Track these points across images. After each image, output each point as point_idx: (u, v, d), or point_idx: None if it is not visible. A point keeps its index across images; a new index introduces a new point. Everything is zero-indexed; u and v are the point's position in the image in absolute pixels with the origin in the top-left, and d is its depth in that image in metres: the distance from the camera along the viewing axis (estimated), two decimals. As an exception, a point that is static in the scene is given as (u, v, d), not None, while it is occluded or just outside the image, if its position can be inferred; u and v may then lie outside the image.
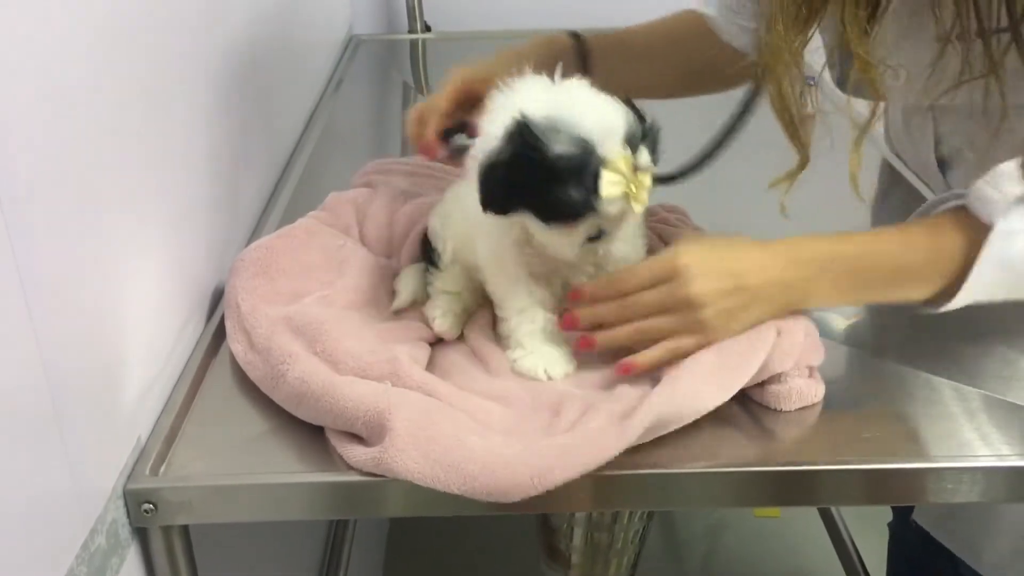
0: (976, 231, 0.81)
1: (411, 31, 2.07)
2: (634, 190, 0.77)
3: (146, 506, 0.76)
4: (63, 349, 0.68)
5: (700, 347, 0.82)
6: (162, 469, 0.78)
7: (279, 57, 1.42)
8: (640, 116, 0.81)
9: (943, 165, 1.04)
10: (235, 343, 0.90)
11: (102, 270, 0.75)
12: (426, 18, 2.07)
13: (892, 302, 0.86)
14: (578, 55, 1.09)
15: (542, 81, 0.83)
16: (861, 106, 0.90)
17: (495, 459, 0.73)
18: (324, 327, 0.85)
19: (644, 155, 0.78)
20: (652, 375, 0.84)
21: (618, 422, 0.76)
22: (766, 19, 0.82)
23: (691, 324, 0.82)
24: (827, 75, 0.95)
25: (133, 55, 0.83)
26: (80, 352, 0.71)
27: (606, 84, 0.93)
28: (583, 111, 0.78)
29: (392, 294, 0.97)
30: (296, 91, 1.54)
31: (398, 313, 0.95)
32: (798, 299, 0.84)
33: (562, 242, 0.82)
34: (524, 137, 0.78)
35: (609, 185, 0.77)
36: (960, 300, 0.82)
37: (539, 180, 0.78)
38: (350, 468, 0.76)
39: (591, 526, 1.31)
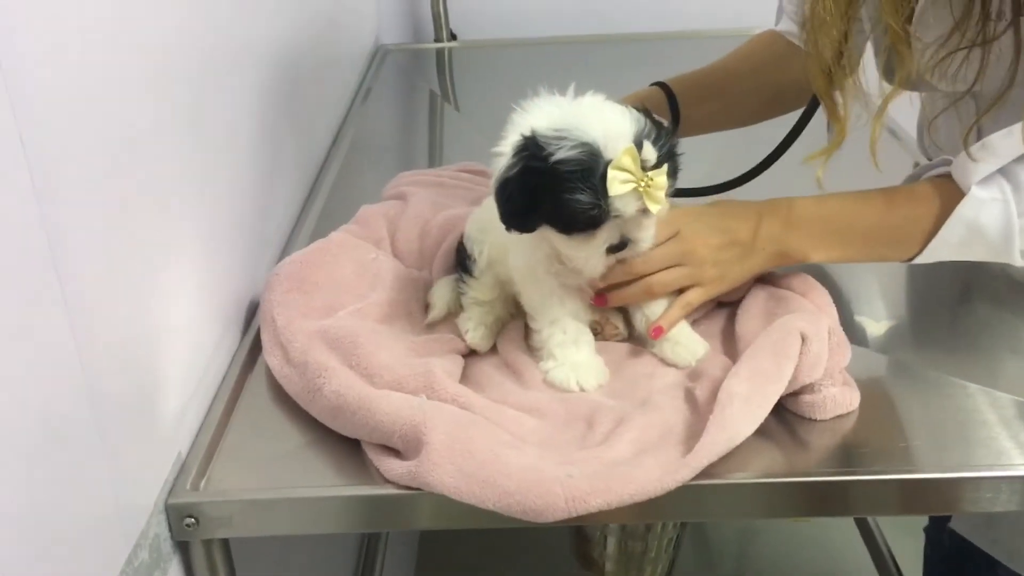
0: (954, 198, 0.87)
1: (437, 40, 2.08)
2: (645, 187, 0.78)
3: (188, 520, 0.77)
4: (105, 368, 0.69)
5: (707, 297, 0.91)
6: (203, 484, 0.79)
7: (310, 70, 1.43)
8: (656, 123, 0.81)
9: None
10: (271, 357, 0.91)
11: (140, 289, 0.76)
12: (452, 27, 2.08)
13: (874, 260, 0.94)
14: (669, 103, 1.12)
15: (555, 99, 0.83)
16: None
17: (531, 476, 0.73)
18: (359, 340, 0.86)
19: (649, 150, 0.78)
20: (684, 378, 0.85)
21: (664, 455, 0.76)
22: None
23: (694, 276, 0.90)
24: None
25: (173, 75, 0.84)
26: (121, 370, 0.72)
27: (695, 124, 1.07)
28: (589, 119, 0.79)
29: (425, 306, 0.98)
30: (326, 103, 1.55)
31: (431, 326, 0.95)
32: (785, 251, 0.91)
33: (586, 253, 0.82)
34: (530, 149, 0.79)
35: (617, 183, 0.77)
36: (928, 255, 0.90)
37: (549, 188, 0.78)
38: (387, 481, 0.77)
39: (625, 535, 1.32)
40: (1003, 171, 0.87)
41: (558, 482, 0.72)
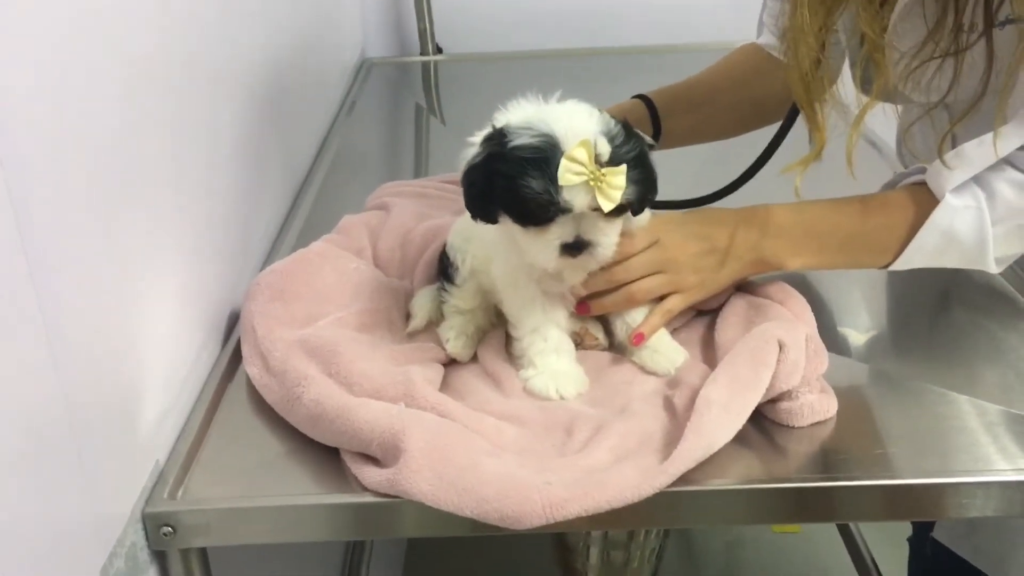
0: (929, 205, 0.89)
1: (423, 53, 2.09)
2: (597, 182, 0.78)
3: (165, 529, 0.77)
4: (82, 375, 0.69)
5: (687, 304, 0.92)
6: (180, 492, 0.79)
7: (295, 82, 1.43)
8: (629, 131, 0.82)
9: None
10: (251, 366, 0.91)
11: (119, 297, 0.76)
12: (437, 40, 2.09)
13: (851, 267, 0.96)
14: (651, 116, 1.14)
15: (536, 102, 0.84)
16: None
17: (509, 484, 0.73)
18: (338, 349, 0.86)
19: (603, 145, 0.79)
20: (663, 386, 0.86)
21: (642, 462, 0.76)
22: (791, 4, 0.87)
23: (675, 283, 0.91)
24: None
25: (155, 84, 0.84)
26: (98, 379, 0.72)
27: (676, 136, 1.09)
28: (556, 115, 0.81)
29: (406, 315, 0.98)
30: (310, 115, 1.56)
31: (412, 335, 0.95)
32: (763, 258, 0.92)
33: (538, 247, 0.82)
34: (495, 138, 0.81)
35: (568, 174, 0.78)
36: (903, 262, 0.91)
37: (506, 175, 0.79)
38: (365, 489, 0.77)
39: (607, 544, 1.31)
40: (977, 179, 0.88)
41: (536, 489, 0.72)
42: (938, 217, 0.88)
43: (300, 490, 0.79)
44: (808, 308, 0.91)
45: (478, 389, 0.88)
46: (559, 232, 0.81)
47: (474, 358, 0.93)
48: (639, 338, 0.90)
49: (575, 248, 0.82)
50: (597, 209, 0.80)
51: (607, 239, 0.83)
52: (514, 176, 0.79)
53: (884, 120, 1.13)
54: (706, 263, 0.92)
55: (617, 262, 0.89)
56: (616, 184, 0.78)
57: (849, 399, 0.86)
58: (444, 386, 0.88)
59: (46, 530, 0.64)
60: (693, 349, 0.92)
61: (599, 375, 0.89)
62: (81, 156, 0.70)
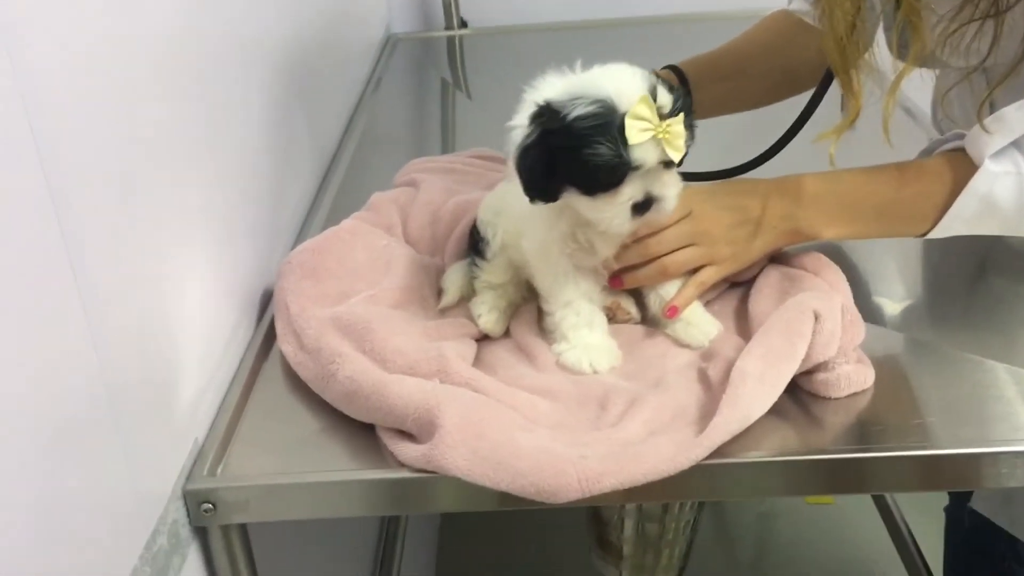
0: (967, 172, 0.87)
1: (448, 28, 2.08)
2: (664, 134, 0.78)
3: (205, 506, 0.78)
4: (120, 355, 0.70)
5: (721, 275, 0.91)
6: (219, 469, 0.80)
7: (321, 60, 1.43)
8: (667, 83, 0.82)
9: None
10: (285, 344, 0.91)
11: (155, 277, 0.77)
12: (463, 14, 2.07)
13: (887, 236, 0.95)
14: (682, 85, 1.12)
15: (563, 73, 0.83)
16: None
17: (544, 458, 0.73)
18: (372, 326, 0.86)
19: (664, 96, 0.79)
20: (697, 358, 0.85)
21: (677, 435, 0.76)
22: None
23: (708, 255, 0.90)
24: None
25: (182, 68, 0.84)
26: (136, 358, 0.73)
27: (707, 105, 1.03)
28: (600, 80, 0.80)
29: (438, 291, 0.98)
30: (337, 92, 1.56)
31: (444, 311, 0.96)
32: (797, 228, 0.91)
33: (612, 213, 0.82)
34: (546, 114, 0.80)
35: (635, 132, 0.78)
36: (941, 229, 0.89)
37: (569, 148, 0.79)
38: (401, 465, 0.78)
39: (642, 517, 1.31)
40: (1017, 144, 0.86)
41: (571, 463, 0.73)
42: (977, 183, 0.86)
43: (337, 466, 0.80)
44: (843, 278, 0.90)
45: (511, 364, 0.88)
46: (630, 192, 0.81)
47: (507, 333, 0.93)
48: (673, 311, 0.89)
49: (646, 206, 0.82)
50: (661, 163, 0.80)
51: (672, 191, 0.83)
52: (580, 147, 0.78)
53: (920, 86, 1.11)
54: (739, 234, 0.91)
55: (650, 234, 0.88)
56: (679, 133, 0.79)
57: (886, 369, 0.85)
58: (477, 361, 0.88)
59: (91, 508, 0.65)
60: (727, 321, 0.91)
61: (632, 348, 0.89)
62: (114, 138, 0.71)
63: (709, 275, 0.91)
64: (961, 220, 0.88)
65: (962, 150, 0.89)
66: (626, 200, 0.81)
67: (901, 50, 0.91)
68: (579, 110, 0.78)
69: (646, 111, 0.78)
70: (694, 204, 0.90)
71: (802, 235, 0.92)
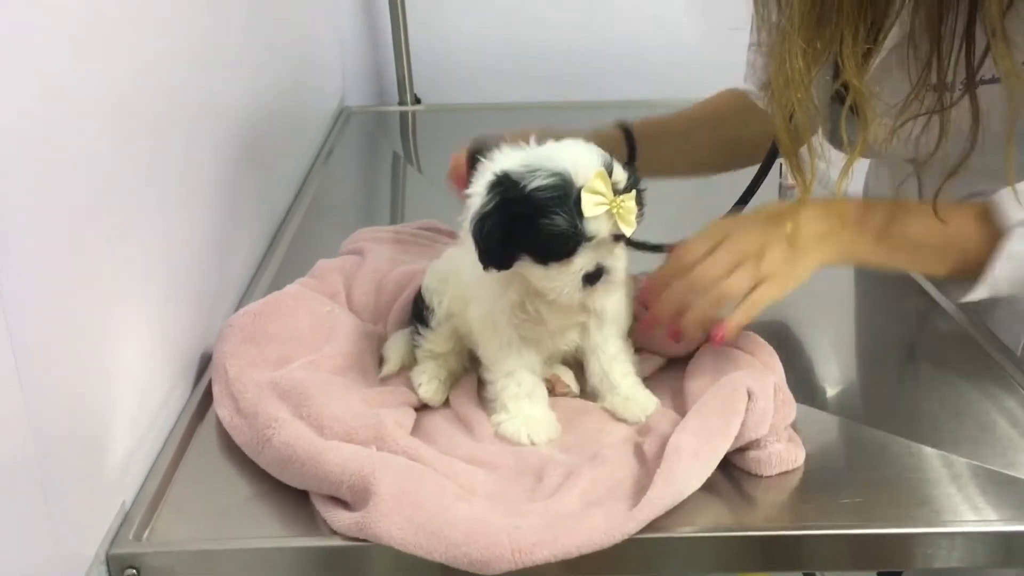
0: (992, 224, 0.90)
1: (401, 103, 2.11)
2: (617, 209, 0.81)
3: (129, 572, 0.75)
4: (50, 414, 0.68)
5: (776, 295, 0.90)
6: (146, 534, 0.78)
7: (273, 127, 1.44)
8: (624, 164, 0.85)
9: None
10: (222, 408, 0.90)
11: (91, 337, 0.76)
12: (416, 91, 2.11)
13: (914, 271, 1.00)
14: (627, 144, 1.16)
15: (518, 148, 0.86)
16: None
17: (478, 527, 0.73)
18: (310, 392, 0.86)
19: (619, 172, 0.82)
20: (633, 433, 0.86)
21: (612, 508, 0.76)
22: (779, 56, 0.89)
23: (760, 273, 0.89)
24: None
25: (128, 128, 0.85)
26: (67, 418, 0.72)
27: (651, 166, 1.04)
28: (556, 154, 0.83)
29: (379, 359, 0.98)
30: (289, 160, 1.57)
31: (385, 379, 0.95)
32: (832, 252, 0.92)
33: (563, 282, 0.83)
34: (505, 184, 0.82)
35: (591, 205, 0.80)
36: (979, 293, 0.92)
37: (527, 217, 0.81)
38: (334, 533, 0.76)
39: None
40: None
41: (505, 533, 0.72)
42: (1011, 243, 0.90)
43: (268, 533, 0.78)
44: (776, 358, 0.92)
45: (449, 433, 0.88)
46: (582, 262, 0.83)
47: (446, 403, 0.93)
48: (720, 336, 0.89)
49: (595, 276, 0.83)
50: (612, 235, 0.82)
51: (620, 263, 0.85)
52: (538, 216, 0.80)
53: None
54: (779, 253, 0.90)
55: (687, 253, 0.91)
56: (631, 208, 0.82)
57: (817, 449, 0.86)
58: (416, 430, 0.87)
59: (9, 570, 0.63)
60: (663, 397, 0.92)
61: (570, 422, 0.90)
62: (53, 193, 0.70)
63: (762, 296, 0.89)
64: (996, 281, 0.91)
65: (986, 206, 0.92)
66: (578, 270, 0.83)
67: (835, 141, 0.95)
68: (537, 181, 0.80)
69: (601, 186, 0.80)
70: (730, 229, 0.91)
71: (838, 257, 0.93)
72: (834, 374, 1.04)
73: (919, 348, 1.07)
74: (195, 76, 1.06)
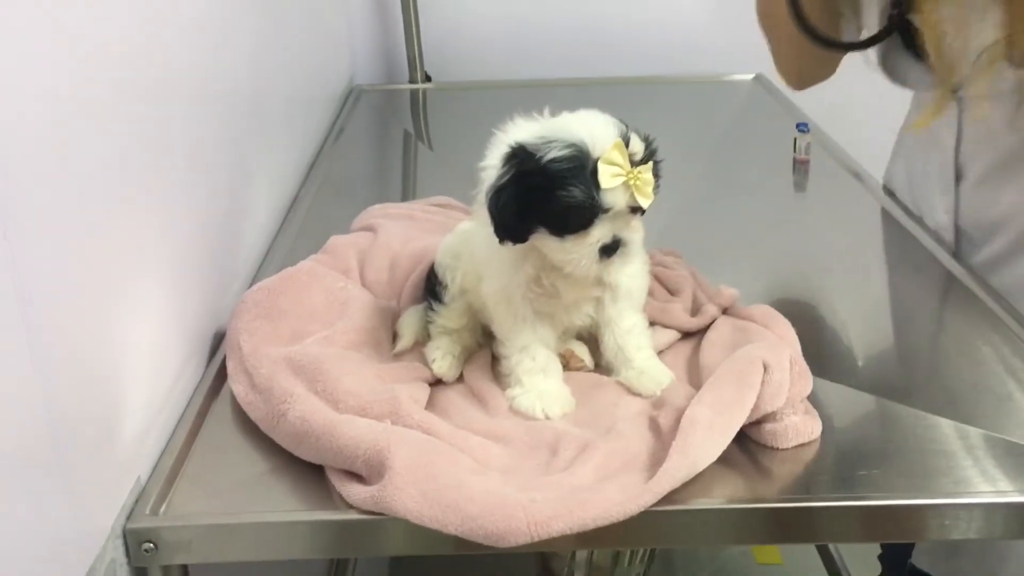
0: None
1: (412, 81, 2.11)
2: (634, 180, 0.80)
3: (146, 545, 0.76)
4: (65, 391, 0.69)
5: None
6: (162, 508, 0.78)
7: (283, 106, 1.44)
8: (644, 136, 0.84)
9: (957, 173, 1.12)
10: (236, 384, 0.90)
11: (104, 312, 0.76)
12: (427, 69, 2.10)
13: None
14: None
15: (533, 119, 0.85)
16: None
17: (493, 501, 0.73)
18: (324, 367, 0.86)
19: (636, 143, 0.81)
20: (648, 407, 0.86)
21: (627, 481, 0.76)
22: None
23: None
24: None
25: (139, 105, 0.85)
26: (81, 394, 0.72)
27: None
28: (572, 125, 0.82)
29: (392, 335, 0.98)
30: (299, 139, 1.56)
31: (399, 354, 0.95)
32: None
33: (580, 254, 0.83)
34: (520, 156, 0.81)
35: (608, 176, 0.79)
36: None
37: (543, 189, 0.80)
38: (349, 507, 0.77)
39: (591, 568, 1.31)
40: None
41: (520, 506, 0.72)
42: None
43: (284, 507, 0.78)
44: (792, 330, 0.92)
45: (464, 408, 0.88)
46: (598, 234, 0.82)
47: (460, 378, 0.93)
48: None
49: (612, 248, 0.83)
50: (628, 208, 0.82)
51: (637, 235, 0.84)
52: (554, 188, 0.80)
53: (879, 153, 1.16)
54: None
55: None
56: (648, 180, 0.81)
57: (833, 421, 0.86)
58: (430, 405, 0.88)
59: (27, 545, 0.64)
60: (679, 371, 0.92)
61: (585, 396, 0.90)
62: (66, 171, 0.70)
63: None
64: None
65: None
66: (595, 242, 0.82)
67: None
68: (554, 152, 0.80)
69: (619, 157, 0.80)
70: None
71: None
72: (851, 347, 1.03)
73: (937, 321, 1.06)
74: (207, 54, 1.06)
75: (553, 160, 0.80)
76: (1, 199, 0.60)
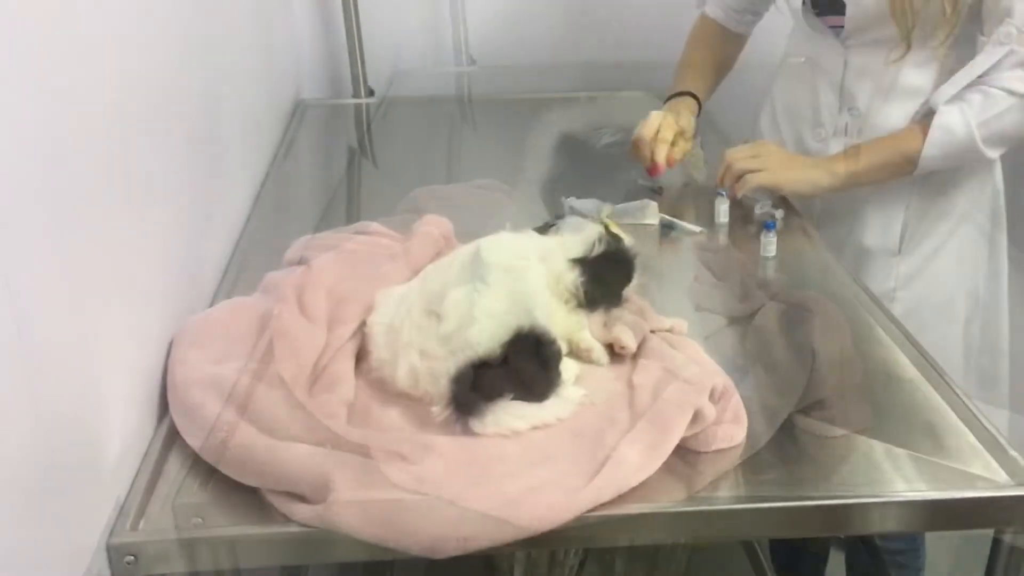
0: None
1: (356, 95, 2.16)
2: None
3: (128, 558, 0.84)
4: (59, 425, 0.77)
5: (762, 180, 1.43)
6: (141, 524, 0.87)
7: (236, 124, 1.48)
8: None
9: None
10: (176, 415, 0.97)
11: (87, 356, 0.84)
12: (370, 83, 2.16)
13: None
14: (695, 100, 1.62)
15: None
16: None
17: (427, 515, 0.82)
18: (258, 394, 0.93)
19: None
20: (583, 427, 0.94)
21: (552, 496, 0.84)
22: None
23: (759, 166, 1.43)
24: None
25: (87, 126, 0.86)
26: (71, 428, 0.80)
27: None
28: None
29: (323, 366, 1.01)
30: (252, 158, 1.61)
31: (327, 382, 1.00)
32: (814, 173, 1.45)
33: None
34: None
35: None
36: (923, 164, 1.36)
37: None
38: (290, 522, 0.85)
39: (530, 565, 1.40)
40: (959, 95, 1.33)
41: (451, 523, 0.81)
42: (937, 118, 1.33)
43: (253, 520, 0.87)
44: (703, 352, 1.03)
45: (398, 427, 0.95)
46: None
47: (393, 397, 0.99)
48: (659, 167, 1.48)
49: None
50: None
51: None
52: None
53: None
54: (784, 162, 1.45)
55: None
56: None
57: (757, 428, 0.95)
58: (364, 425, 0.95)
59: (23, 561, 0.72)
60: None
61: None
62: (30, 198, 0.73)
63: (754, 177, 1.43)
64: (932, 146, 1.33)
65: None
66: None
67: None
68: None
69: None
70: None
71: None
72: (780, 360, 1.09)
73: (856, 343, 1.15)
74: (152, 74, 1.06)
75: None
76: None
